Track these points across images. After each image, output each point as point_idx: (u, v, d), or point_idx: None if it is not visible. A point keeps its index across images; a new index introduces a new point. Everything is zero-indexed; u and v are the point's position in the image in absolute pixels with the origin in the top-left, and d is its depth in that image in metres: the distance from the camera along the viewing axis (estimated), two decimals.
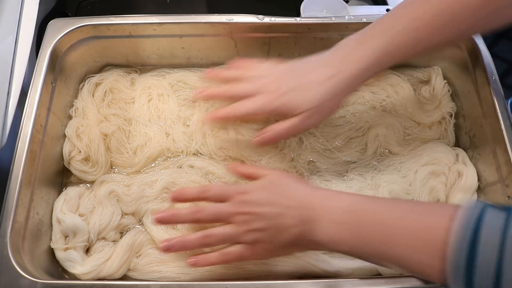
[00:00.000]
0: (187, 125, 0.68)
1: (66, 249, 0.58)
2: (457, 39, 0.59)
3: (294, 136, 0.66)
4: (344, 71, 0.54)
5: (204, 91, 0.61)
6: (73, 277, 0.57)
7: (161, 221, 0.54)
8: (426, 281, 0.49)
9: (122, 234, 0.61)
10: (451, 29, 0.53)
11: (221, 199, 0.54)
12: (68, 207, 0.60)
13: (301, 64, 0.57)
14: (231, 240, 0.52)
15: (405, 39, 0.53)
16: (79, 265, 0.57)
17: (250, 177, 0.57)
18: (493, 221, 0.40)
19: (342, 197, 0.50)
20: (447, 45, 0.61)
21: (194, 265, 0.53)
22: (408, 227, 0.45)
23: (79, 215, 0.60)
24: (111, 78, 0.70)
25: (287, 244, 0.50)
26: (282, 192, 0.52)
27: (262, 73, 0.59)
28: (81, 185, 0.64)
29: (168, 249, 0.53)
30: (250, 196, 0.52)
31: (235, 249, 0.52)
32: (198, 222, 0.54)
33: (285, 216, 0.50)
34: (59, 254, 0.58)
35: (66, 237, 0.59)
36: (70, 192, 0.62)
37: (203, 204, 0.55)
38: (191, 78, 0.71)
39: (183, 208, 0.56)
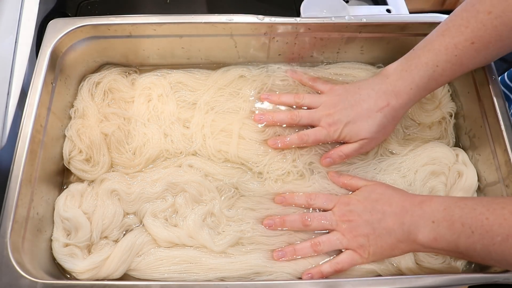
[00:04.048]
0: (187, 127, 0.68)
1: (67, 245, 0.58)
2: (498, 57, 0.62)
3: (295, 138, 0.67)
4: (393, 104, 0.60)
5: (264, 116, 0.67)
6: (72, 274, 0.57)
7: (272, 227, 0.60)
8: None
9: (125, 233, 0.61)
10: (491, 52, 0.57)
11: (325, 208, 0.61)
12: (70, 203, 0.60)
13: (353, 95, 0.63)
14: (340, 246, 0.57)
15: (448, 66, 0.57)
16: (79, 261, 0.57)
17: (349, 187, 0.63)
18: None
19: (438, 199, 0.54)
20: (489, 62, 0.65)
21: (308, 280, 0.56)
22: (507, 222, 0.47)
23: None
24: (111, 77, 0.70)
25: (390, 246, 0.55)
26: (382, 199, 0.57)
27: (318, 102, 0.65)
28: (82, 183, 0.64)
29: (280, 257, 0.58)
30: (352, 206, 0.58)
31: (345, 256, 0.57)
32: (307, 229, 0.60)
33: (387, 220, 0.55)
34: (60, 250, 0.58)
35: (68, 234, 0.60)
36: (72, 188, 0.62)
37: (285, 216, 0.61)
38: (191, 79, 0.71)
39: (294, 213, 0.61)
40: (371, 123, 0.60)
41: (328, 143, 0.66)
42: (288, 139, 0.65)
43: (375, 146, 0.65)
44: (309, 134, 0.64)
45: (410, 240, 0.53)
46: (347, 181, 0.63)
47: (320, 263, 0.58)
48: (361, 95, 0.62)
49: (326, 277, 0.57)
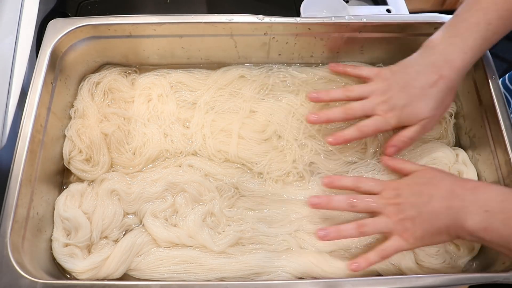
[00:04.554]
0: (187, 127, 0.68)
1: (67, 245, 0.58)
2: None
3: (296, 139, 0.66)
4: (446, 75, 0.56)
5: (318, 116, 0.62)
6: (72, 274, 0.57)
7: (317, 206, 0.58)
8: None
9: (125, 233, 0.61)
10: None
11: (372, 192, 0.58)
12: (70, 203, 0.60)
13: (401, 74, 0.60)
14: (385, 229, 0.55)
15: (501, 22, 0.55)
16: (79, 261, 0.57)
17: (401, 172, 0.61)
18: None
19: (492, 188, 0.52)
20: None
21: (356, 269, 0.55)
22: None
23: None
24: (111, 77, 0.70)
25: (437, 231, 0.52)
26: (430, 183, 0.55)
27: (368, 91, 0.61)
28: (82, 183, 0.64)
29: (324, 237, 0.56)
30: (400, 190, 0.56)
31: (391, 242, 0.55)
32: (353, 209, 0.57)
33: (433, 204, 0.53)
34: (60, 250, 0.58)
35: (68, 234, 0.60)
36: (72, 188, 0.62)
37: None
38: (191, 79, 0.71)
39: (340, 195, 0.59)
40: (428, 101, 0.57)
41: (385, 131, 0.63)
42: (347, 133, 0.61)
43: (436, 122, 0.63)
44: (369, 125, 0.60)
45: (457, 226, 0.51)
46: (399, 166, 0.61)
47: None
48: (409, 74, 0.59)
49: (372, 265, 0.55)
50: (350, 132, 0.61)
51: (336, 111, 0.62)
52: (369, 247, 0.59)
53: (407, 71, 0.59)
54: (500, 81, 0.64)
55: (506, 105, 0.62)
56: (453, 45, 0.56)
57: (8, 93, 0.63)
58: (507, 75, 0.82)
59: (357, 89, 0.63)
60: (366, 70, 0.65)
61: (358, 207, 0.57)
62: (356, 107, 0.61)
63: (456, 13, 0.58)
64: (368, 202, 0.57)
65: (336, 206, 0.58)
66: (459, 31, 0.56)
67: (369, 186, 0.58)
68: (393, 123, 0.60)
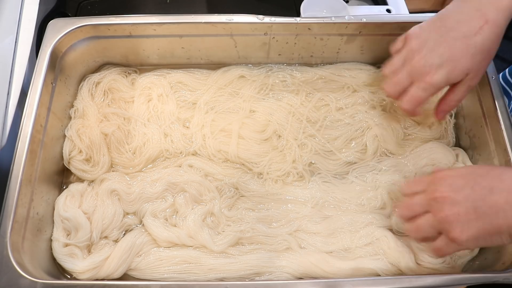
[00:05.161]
0: (187, 127, 0.68)
1: (67, 245, 0.58)
2: None
3: (296, 139, 0.66)
4: (492, 18, 0.50)
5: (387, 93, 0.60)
6: (72, 274, 0.57)
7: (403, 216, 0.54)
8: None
9: (125, 233, 0.61)
10: None
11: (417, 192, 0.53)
12: (70, 203, 0.60)
13: (439, 29, 0.53)
14: (431, 231, 0.50)
15: None
16: (79, 261, 0.57)
17: None
18: None
19: None
20: None
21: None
22: None
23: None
24: (111, 77, 0.70)
25: (497, 230, 0.46)
26: (490, 174, 0.48)
27: (399, 61, 0.57)
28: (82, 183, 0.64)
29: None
30: (449, 180, 0.50)
31: (438, 243, 0.50)
32: (408, 220, 0.54)
33: (495, 198, 0.45)
34: (60, 250, 0.58)
35: (68, 234, 0.60)
36: (72, 188, 0.62)
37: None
38: (191, 79, 0.71)
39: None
40: (472, 52, 0.51)
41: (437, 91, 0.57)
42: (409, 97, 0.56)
43: (482, 75, 0.56)
44: (413, 95, 0.55)
45: None
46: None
47: None
48: (447, 25, 0.53)
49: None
50: (408, 99, 0.56)
51: (390, 91, 0.59)
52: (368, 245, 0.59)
53: (445, 22, 0.53)
54: (500, 76, 0.63)
55: (506, 104, 0.62)
56: None
57: (8, 93, 0.63)
58: (507, 69, 0.82)
59: (388, 66, 0.59)
60: (394, 46, 0.60)
61: (412, 216, 0.53)
62: (398, 83, 0.57)
63: None
64: (409, 206, 0.53)
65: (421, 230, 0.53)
66: None
67: (415, 188, 0.53)
68: (436, 85, 0.53)
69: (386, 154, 0.67)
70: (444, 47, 0.52)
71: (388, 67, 0.60)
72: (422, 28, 0.56)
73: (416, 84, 0.56)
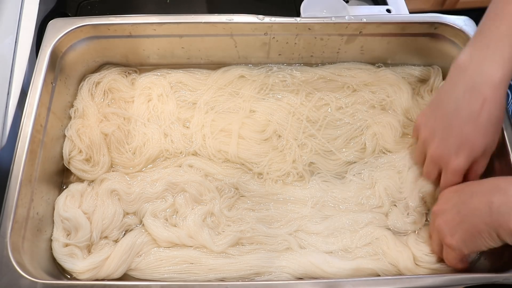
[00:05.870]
0: (187, 127, 0.68)
1: (67, 245, 0.58)
2: None
3: (296, 139, 0.66)
4: (489, 95, 0.50)
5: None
6: (72, 274, 0.57)
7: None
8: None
9: (125, 233, 0.61)
10: None
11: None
12: (70, 203, 0.60)
13: (442, 117, 0.54)
14: (435, 241, 0.56)
15: None
16: (79, 261, 0.57)
17: None
18: None
19: None
20: None
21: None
22: None
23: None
24: (111, 77, 0.70)
25: (477, 230, 0.47)
26: (475, 182, 0.52)
27: (426, 145, 0.58)
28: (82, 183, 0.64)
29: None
30: (447, 194, 0.55)
31: (445, 251, 0.54)
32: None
33: (473, 200, 0.48)
34: (60, 250, 0.58)
35: (68, 234, 0.60)
36: (72, 188, 0.62)
37: None
38: (191, 79, 0.71)
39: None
40: (483, 132, 0.51)
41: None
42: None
43: (498, 139, 0.56)
44: (447, 183, 0.56)
45: (498, 224, 0.45)
46: None
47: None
48: (448, 113, 0.53)
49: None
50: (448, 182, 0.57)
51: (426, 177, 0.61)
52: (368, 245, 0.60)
53: (446, 107, 0.54)
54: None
55: (506, 104, 0.62)
56: (487, 60, 0.50)
57: (8, 93, 0.63)
58: None
59: (416, 156, 0.62)
60: (412, 136, 0.64)
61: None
62: (431, 171, 0.58)
63: (478, 28, 0.53)
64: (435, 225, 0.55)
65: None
66: (489, 43, 0.51)
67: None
68: (459, 168, 0.54)
69: (384, 152, 0.67)
70: (455, 136, 0.53)
71: (417, 156, 0.62)
72: (427, 116, 0.57)
73: (443, 173, 0.56)
